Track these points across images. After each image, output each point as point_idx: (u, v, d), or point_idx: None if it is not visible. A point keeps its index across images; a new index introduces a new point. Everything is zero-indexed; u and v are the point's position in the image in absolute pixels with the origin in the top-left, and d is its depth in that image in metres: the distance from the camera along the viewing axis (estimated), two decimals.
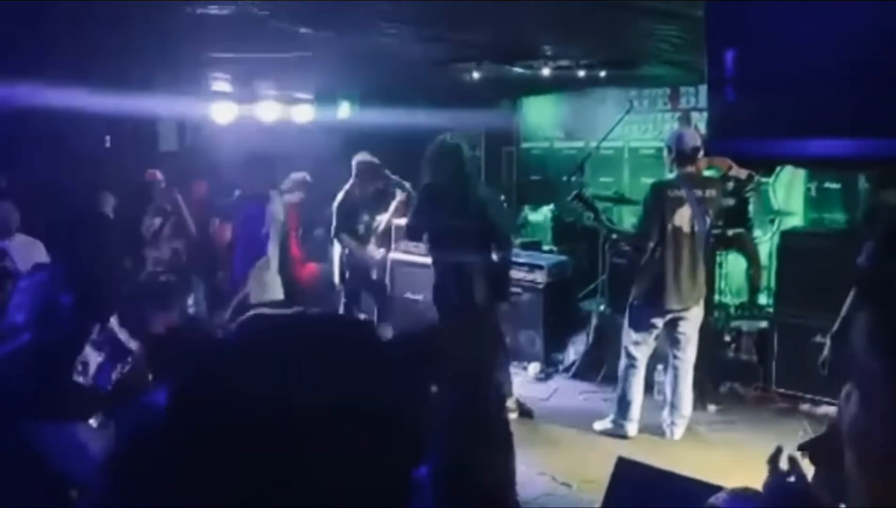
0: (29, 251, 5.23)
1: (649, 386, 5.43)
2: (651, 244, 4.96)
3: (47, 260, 5.26)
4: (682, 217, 4.92)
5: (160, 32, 5.09)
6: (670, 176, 5.06)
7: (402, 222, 7.52)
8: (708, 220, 5.02)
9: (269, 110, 7.75)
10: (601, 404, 5.67)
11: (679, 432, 5.12)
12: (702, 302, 5.12)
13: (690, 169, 4.98)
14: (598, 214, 5.37)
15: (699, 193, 4.97)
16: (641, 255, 5.06)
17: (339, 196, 6.40)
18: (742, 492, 1.59)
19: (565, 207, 6.84)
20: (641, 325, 5.05)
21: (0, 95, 5.41)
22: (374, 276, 6.77)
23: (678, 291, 4.92)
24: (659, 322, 5.03)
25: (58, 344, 3.80)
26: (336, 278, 6.58)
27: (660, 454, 4.00)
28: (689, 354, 5.10)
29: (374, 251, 6.65)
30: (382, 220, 6.69)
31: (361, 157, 6.49)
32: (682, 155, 4.93)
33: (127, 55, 5.67)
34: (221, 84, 7.42)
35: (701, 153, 4.98)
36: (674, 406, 5.13)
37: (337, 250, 6.55)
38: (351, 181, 6.42)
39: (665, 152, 5.11)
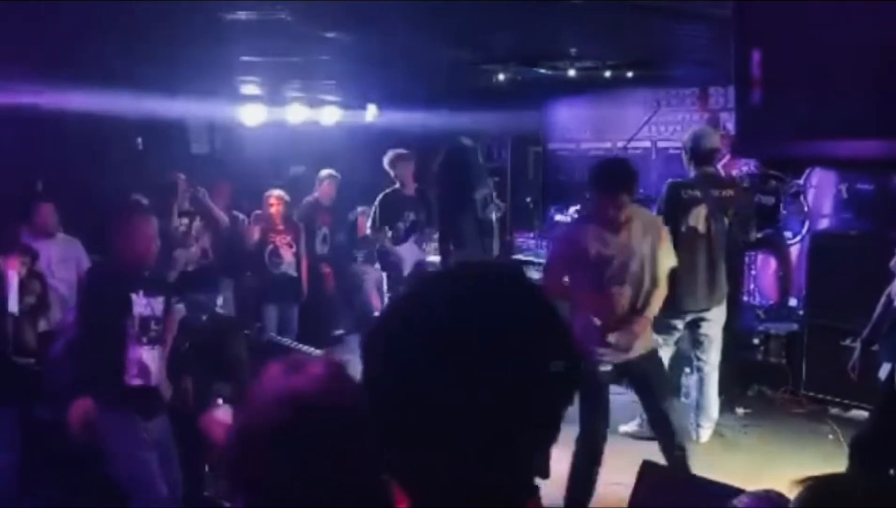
0: (69, 250, 5.37)
1: (676, 389, 5.39)
2: None
3: (86, 258, 5.38)
4: (698, 217, 4.86)
5: (191, 37, 5.17)
6: (688, 176, 5.02)
7: None
8: (726, 220, 4.94)
9: (296, 113, 7.83)
10: (628, 406, 5.64)
11: (706, 435, 5.08)
12: (723, 303, 5.05)
13: (708, 169, 4.94)
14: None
15: (716, 193, 4.91)
16: None
17: (382, 195, 6.54)
18: (764, 495, 1.59)
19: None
20: (661, 327, 4.96)
21: (35, 100, 5.53)
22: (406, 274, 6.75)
23: (695, 292, 4.86)
24: (679, 324, 4.98)
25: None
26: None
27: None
28: (712, 356, 5.05)
29: (410, 251, 6.65)
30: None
31: (393, 152, 6.59)
32: (698, 155, 4.90)
33: (158, 59, 5.76)
34: (250, 87, 7.51)
35: (720, 153, 4.95)
36: (700, 409, 5.09)
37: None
38: (396, 184, 6.52)
39: (683, 153, 5.08)
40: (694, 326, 5.02)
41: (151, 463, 3.52)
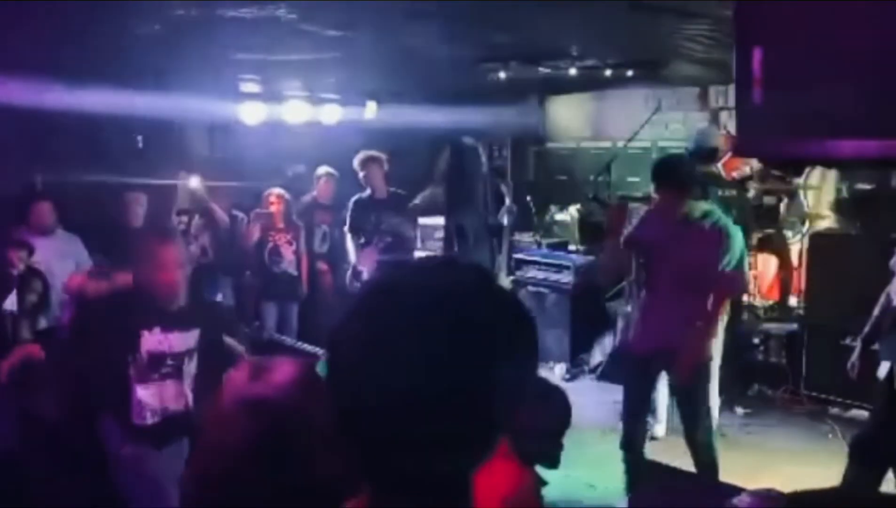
0: (68, 248, 5.36)
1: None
2: None
3: (86, 255, 5.39)
4: None
5: (190, 34, 5.17)
6: None
7: (426, 221, 7.58)
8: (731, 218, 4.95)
9: (296, 111, 7.82)
10: None
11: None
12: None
13: (711, 168, 4.94)
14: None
15: (721, 192, 4.92)
16: None
17: (353, 200, 6.46)
18: (766, 493, 1.59)
19: (592, 206, 6.82)
20: None
21: (33, 97, 5.53)
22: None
23: None
24: None
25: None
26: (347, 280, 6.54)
27: (686, 455, 3.97)
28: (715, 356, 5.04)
29: (368, 257, 6.43)
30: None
31: (364, 153, 6.48)
32: (701, 154, 4.90)
33: (158, 56, 5.76)
34: (250, 85, 7.51)
35: (720, 152, 4.95)
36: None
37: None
38: (367, 190, 6.43)
39: (685, 152, 5.07)
40: None
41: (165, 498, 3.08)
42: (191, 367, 3.27)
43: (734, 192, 5.09)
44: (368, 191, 6.48)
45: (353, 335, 0.87)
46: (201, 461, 1.20)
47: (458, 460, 0.87)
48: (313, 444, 1.15)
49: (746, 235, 5.28)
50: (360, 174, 6.46)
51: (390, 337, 0.84)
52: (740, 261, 3.85)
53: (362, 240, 6.46)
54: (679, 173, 3.95)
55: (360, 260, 6.42)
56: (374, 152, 6.51)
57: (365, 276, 6.34)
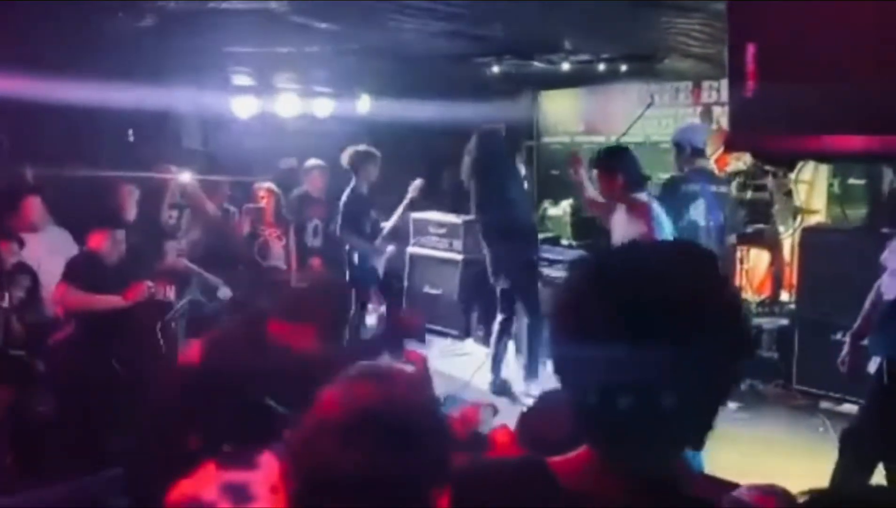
0: (58, 243, 5.32)
1: None
2: None
3: (76, 250, 5.35)
4: (698, 212, 4.85)
5: (182, 27, 5.14)
6: (682, 171, 5.01)
7: (419, 215, 7.56)
8: (722, 215, 4.95)
9: (288, 105, 7.79)
10: None
11: None
12: None
13: (703, 163, 4.94)
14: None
15: (713, 187, 4.92)
16: None
17: (345, 195, 6.38)
18: (769, 487, 1.59)
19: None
20: None
21: (23, 90, 5.48)
22: (381, 273, 6.62)
23: None
24: None
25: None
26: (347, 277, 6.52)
27: None
28: None
29: (382, 248, 6.52)
30: (395, 213, 6.59)
31: (354, 149, 6.42)
32: (693, 150, 4.89)
33: (149, 50, 5.72)
34: (242, 78, 7.47)
35: (710, 148, 4.96)
36: None
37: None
38: (353, 180, 6.37)
39: (673, 149, 5.05)
40: None
41: None
42: None
43: (725, 188, 5.09)
44: (357, 185, 6.40)
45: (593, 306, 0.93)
46: (319, 469, 1.18)
47: (677, 434, 0.95)
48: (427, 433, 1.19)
49: (736, 231, 5.28)
50: (351, 171, 6.37)
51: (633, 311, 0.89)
52: None
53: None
54: (612, 161, 4.53)
55: (371, 251, 6.44)
56: (363, 147, 6.44)
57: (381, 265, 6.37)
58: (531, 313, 5.85)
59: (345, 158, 6.37)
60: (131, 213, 6.02)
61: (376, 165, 6.37)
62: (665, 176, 5.48)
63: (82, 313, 4.49)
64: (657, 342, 0.87)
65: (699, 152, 4.93)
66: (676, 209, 4.84)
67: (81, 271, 4.45)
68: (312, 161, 7.06)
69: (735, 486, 1.89)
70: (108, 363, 4.30)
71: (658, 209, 4.44)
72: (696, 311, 0.90)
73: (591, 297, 0.94)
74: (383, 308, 7.07)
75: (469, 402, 3.40)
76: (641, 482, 0.94)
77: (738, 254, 6.52)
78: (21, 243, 4.65)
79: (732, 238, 5.44)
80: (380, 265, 6.52)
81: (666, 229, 4.36)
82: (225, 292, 5.82)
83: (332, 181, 6.92)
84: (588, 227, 7.59)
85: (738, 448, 4.93)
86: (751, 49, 2.79)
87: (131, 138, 7.24)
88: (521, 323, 6.13)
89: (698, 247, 1.03)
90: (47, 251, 5.15)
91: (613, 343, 0.88)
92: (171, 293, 4.28)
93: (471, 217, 6.32)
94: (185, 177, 6.32)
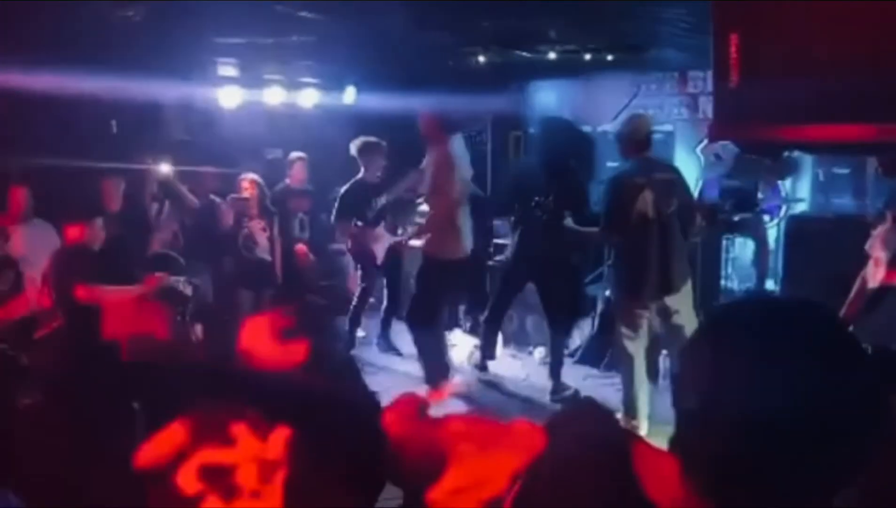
0: (43, 236, 5.28)
1: (654, 373, 5.37)
2: (618, 238, 4.86)
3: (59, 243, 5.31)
4: (645, 203, 4.71)
5: (168, 17, 5.10)
6: (625, 165, 4.92)
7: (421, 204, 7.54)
8: (674, 201, 4.78)
9: (274, 95, 7.75)
10: (606, 390, 5.67)
11: None
12: (688, 285, 4.89)
13: (647, 154, 4.85)
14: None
15: (660, 175, 4.81)
16: (613, 249, 4.96)
17: (348, 184, 6.40)
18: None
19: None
20: (628, 320, 4.89)
21: (8, 81, 5.42)
22: (379, 262, 6.64)
23: (651, 280, 4.73)
24: (644, 314, 4.87)
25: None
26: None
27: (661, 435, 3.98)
28: None
29: (381, 237, 6.59)
30: (392, 191, 6.50)
31: (363, 139, 6.46)
32: (636, 141, 4.81)
33: (134, 40, 5.67)
34: (227, 69, 7.41)
35: (651, 138, 4.90)
36: None
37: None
38: (361, 172, 6.41)
39: (617, 141, 4.99)
40: (663, 316, 4.88)
41: None
42: None
43: (674, 175, 4.96)
44: (361, 174, 6.42)
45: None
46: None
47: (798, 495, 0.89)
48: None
49: (692, 223, 5.17)
50: (359, 161, 6.40)
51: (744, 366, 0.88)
52: None
53: (359, 222, 6.42)
54: None
55: (369, 240, 6.44)
56: (372, 139, 6.47)
57: (380, 255, 6.40)
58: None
59: (353, 149, 6.43)
60: (116, 204, 5.99)
61: (384, 156, 6.44)
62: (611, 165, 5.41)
63: (73, 307, 4.43)
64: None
65: (645, 143, 4.82)
66: (624, 204, 4.72)
67: (80, 265, 4.40)
68: (294, 154, 7.04)
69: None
70: (98, 357, 4.26)
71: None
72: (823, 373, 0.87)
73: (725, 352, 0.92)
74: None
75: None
76: None
77: (724, 243, 6.54)
78: (7, 236, 4.61)
79: (700, 224, 5.25)
80: (379, 252, 6.53)
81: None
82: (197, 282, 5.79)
83: (318, 173, 6.90)
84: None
85: None
86: (735, 39, 2.79)
87: (114, 129, 7.17)
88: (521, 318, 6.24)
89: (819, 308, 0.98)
90: (32, 245, 5.10)
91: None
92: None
93: None
94: (164, 169, 6.29)
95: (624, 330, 4.93)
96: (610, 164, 8.12)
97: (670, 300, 4.80)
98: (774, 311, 0.96)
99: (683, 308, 4.84)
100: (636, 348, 4.93)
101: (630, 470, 0.99)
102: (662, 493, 0.97)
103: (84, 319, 4.41)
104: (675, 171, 5.09)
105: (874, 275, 3.68)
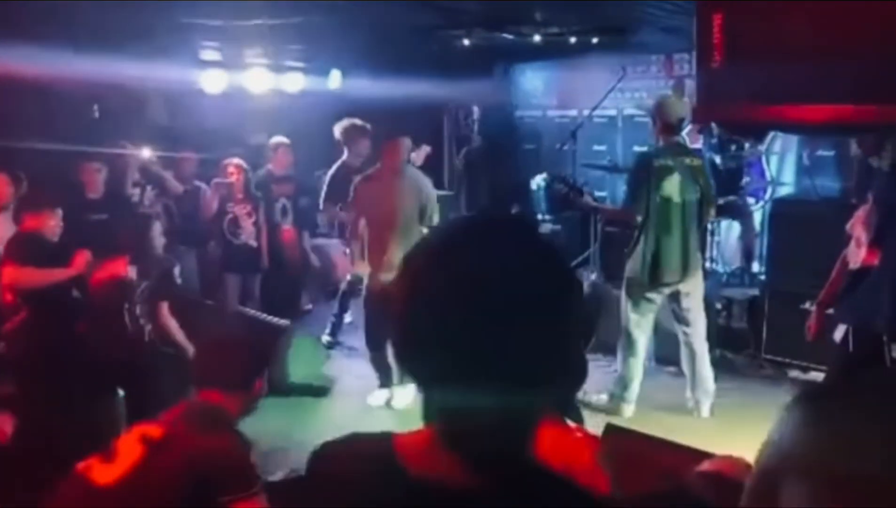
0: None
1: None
2: (640, 217, 4.84)
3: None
4: (672, 187, 4.78)
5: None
6: (657, 146, 4.92)
7: None
8: (698, 188, 4.88)
9: (258, 79, 7.67)
10: (592, 373, 5.68)
11: (706, 409, 5.01)
12: (700, 273, 5.01)
13: (677, 138, 4.88)
14: (583, 194, 5.35)
15: (687, 161, 4.87)
16: (632, 229, 4.96)
17: (333, 168, 6.32)
18: (727, 460, 1.60)
19: (557, 175, 6.79)
20: (639, 302, 4.92)
21: None
22: None
23: (672, 263, 4.80)
24: (656, 298, 4.92)
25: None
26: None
27: (649, 421, 4.02)
28: (699, 328, 4.99)
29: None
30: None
31: (348, 121, 6.37)
32: (667, 124, 4.82)
33: (115, 22, 5.59)
34: (211, 53, 7.34)
35: (687, 122, 4.91)
36: (695, 384, 5.01)
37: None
38: (344, 155, 6.33)
39: (650, 122, 5.00)
40: (674, 301, 4.96)
41: None
42: None
43: (700, 162, 5.01)
44: (345, 157, 6.34)
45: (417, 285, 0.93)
46: None
47: (512, 406, 0.90)
48: None
49: (712, 205, 5.21)
50: (343, 144, 6.32)
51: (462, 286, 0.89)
52: None
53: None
54: None
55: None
56: (357, 121, 6.38)
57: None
58: None
59: (336, 132, 6.35)
60: (98, 190, 5.93)
61: (368, 139, 6.33)
62: (642, 149, 5.45)
63: (35, 297, 4.35)
64: (494, 319, 0.87)
65: (676, 126, 4.84)
66: (649, 185, 4.76)
67: (26, 251, 4.29)
68: (276, 138, 6.97)
69: (703, 454, 1.90)
70: (66, 347, 4.21)
71: None
72: (528, 286, 0.90)
73: (432, 276, 0.92)
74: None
75: None
76: (488, 460, 0.91)
77: (710, 226, 6.56)
78: None
79: (713, 213, 5.33)
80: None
81: None
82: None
83: (302, 157, 6.85)
84: (561, 201, 7.59)
85: (709, 417, 5.01)
86: (718, 20, 2.78)
87: (97, 115, 7.09)
88: None
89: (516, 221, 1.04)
90: (9, 233, 5.03)
91: (454, 323, 0.88)
92: (132, 272, 4.18)
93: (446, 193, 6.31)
94: (146, 154, 6.22)
95: (632, 314, 4.95)
96: (596, 147, 8.17)
97: (684, 285, 4.90)
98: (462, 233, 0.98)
99: (694, 293, 4.97)
100: (640, 333, 4.97)
101: None
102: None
103: (50, 309, 4.33)
104: (702, 158, 5.17)
105: (855, 256, 3.69)
